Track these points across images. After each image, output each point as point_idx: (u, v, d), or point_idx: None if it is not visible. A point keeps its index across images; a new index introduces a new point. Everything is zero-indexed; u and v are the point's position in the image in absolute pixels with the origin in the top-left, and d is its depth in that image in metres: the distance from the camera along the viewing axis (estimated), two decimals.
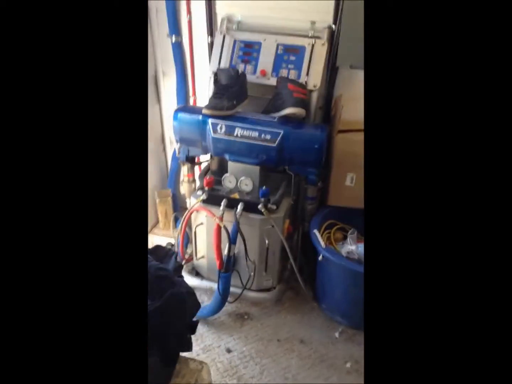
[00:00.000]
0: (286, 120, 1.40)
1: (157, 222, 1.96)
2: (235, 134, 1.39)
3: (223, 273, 1.37)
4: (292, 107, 1.36)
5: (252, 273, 1.45)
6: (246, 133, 1.39)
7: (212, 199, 1.44)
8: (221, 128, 1.41)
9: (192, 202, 1.49)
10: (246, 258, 1.42)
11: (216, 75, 1.44)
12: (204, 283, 1.52)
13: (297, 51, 1.50)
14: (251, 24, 1.58)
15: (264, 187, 1.38)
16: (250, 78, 1.52)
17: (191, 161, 1.56)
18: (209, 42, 1.65)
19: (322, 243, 1.39)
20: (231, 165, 1.49)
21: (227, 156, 1.45)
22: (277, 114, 1.42)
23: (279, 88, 1.41)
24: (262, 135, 1.38)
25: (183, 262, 1.64)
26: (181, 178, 1.65)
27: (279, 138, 1.37)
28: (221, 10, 1.59)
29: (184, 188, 1.64)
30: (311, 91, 1.48)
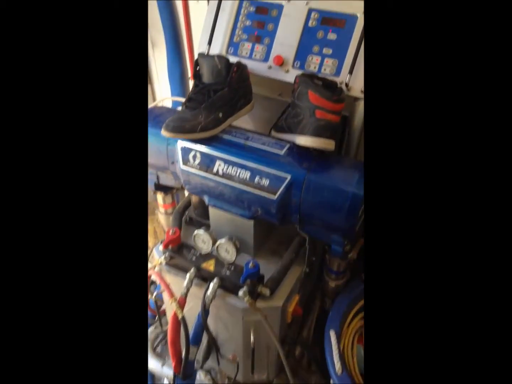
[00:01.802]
0: (301, 153, 0.81)
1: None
2: (214, 170, 0.84)
3: (179, 379, 0.91)
4: (310, 136, 0.76)
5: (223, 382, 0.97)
6: (231, 171, 0.83)
7: (175, 265, 0.95)
8: (194, 158, 0.86)
9: (154, 256, 1.01)
10: (217, 360, 0.93)
11: (195, 64, 0.87)
12: (166, 371, 1.08)
13: (341, 23, 0.84)
14: None
15: (251, 263, 0.84)
16: (258, 67, 0.92)
17: (164, 189, 1.06)
18: None
19: (338, 365, 0.84)
20: (213, 212, 0.96)
21: (205, 199, 0.92)
22: (289, 138, 0.83)
23: (297, 96, 0.80)
24: (257, 179, 0.81)
25: (156, 317, 1.21)
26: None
27: (283, 187, 0.79)
28: None
29: (161, 222, 1.16)
30: (356, 99, 0.84)
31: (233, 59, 0.93)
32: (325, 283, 1.00)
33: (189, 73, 1.24)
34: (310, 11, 0.86)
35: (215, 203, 0.90)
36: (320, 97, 0.75)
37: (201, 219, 1.03)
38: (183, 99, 1.19)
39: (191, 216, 1.05)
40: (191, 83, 1.25)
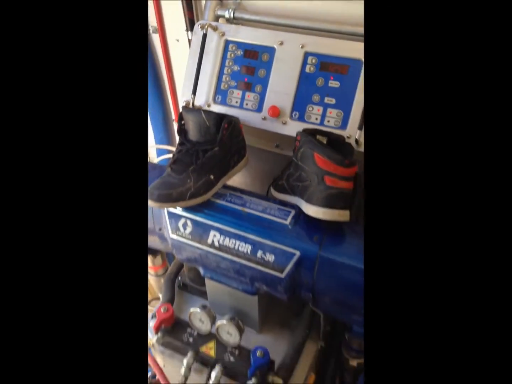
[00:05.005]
0: (310, 223, 0.70)
1: None
2: (209, 241, 0.73)
3: None
4: (321, 207, 0.66)
5: None
6: (228, 243, 0.72)
7: (170, 346, 0.83)
8: (184, 226, 0.75)
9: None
10: None
11: (180, 119, 0.76)
12: None
13: (343, 69, 0.75)
14: (258, 10, 0.84)
15: (259, 351, 0.73)
16: (250, 118, 0.82)
17: (151, 251, 0.94)
18: (189, 39, 0.94)
19: None
20: (210, 283, 0.84)
21: (201, 270, 0.81)
22: (293, 201, 0.73)
23: (300, 158, 0.70)
24: (259, 254, 0.70)
25: None
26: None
27: (291, 265, 0.68)
28: None
29: (151, 284, 1.05)
30: None
31: (221, 109, 0.83)
32: (345, 360, 0.89)
33: (173, 115, 1.12)
34: (306, 55, 0.76)
35: (212, 275, 0.79)
36: (330, 162, 0.64)
37: (196, 285, 0.92)
38: (167, 147, 1.08)
39: (184, 281, 0.94)
40: (175, 125, 1.15)
